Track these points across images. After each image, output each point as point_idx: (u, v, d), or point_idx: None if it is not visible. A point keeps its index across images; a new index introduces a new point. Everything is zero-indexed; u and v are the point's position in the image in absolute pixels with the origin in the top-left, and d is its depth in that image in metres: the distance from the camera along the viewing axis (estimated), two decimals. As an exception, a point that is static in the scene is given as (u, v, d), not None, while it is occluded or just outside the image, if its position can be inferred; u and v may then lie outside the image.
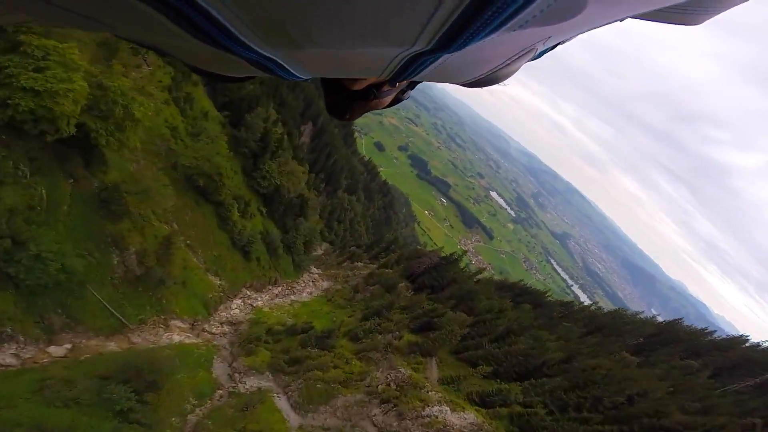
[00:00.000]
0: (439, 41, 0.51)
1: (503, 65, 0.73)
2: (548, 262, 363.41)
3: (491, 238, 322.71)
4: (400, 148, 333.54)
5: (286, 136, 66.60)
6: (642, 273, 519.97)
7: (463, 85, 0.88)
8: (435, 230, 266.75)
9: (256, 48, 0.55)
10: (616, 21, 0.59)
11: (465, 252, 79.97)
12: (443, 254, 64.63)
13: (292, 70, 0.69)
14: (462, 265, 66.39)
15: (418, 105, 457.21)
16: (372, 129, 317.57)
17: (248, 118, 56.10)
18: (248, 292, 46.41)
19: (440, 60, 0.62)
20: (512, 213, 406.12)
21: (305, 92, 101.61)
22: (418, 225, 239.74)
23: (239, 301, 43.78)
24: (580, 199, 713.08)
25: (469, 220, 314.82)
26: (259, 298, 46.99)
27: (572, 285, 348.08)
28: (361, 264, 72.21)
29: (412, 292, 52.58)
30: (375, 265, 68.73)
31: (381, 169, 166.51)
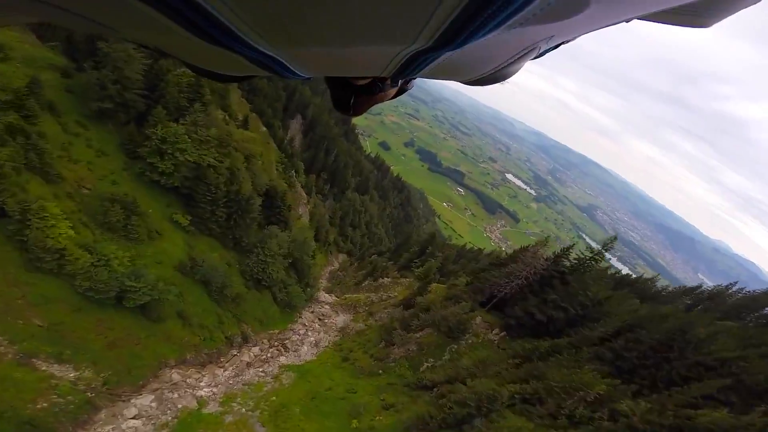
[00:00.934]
0: (439, 39, 0.50)
1: (506, 64, 0.71)
2: (580, 237, 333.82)
3: (517, 221, 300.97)
4: (406, 145, 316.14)
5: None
6: (680, 236, 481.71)
7: (466, 83, 0.86)
8: (457, 222, 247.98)
9: (257, 47, 0.53)
10: (621, 22, 0.57)
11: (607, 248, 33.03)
12: (555, 252, 34.27)
13: (293, 69, 0.67)
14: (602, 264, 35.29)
15: (415, 99, 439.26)
16: (374, 130, 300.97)
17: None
18: (176, 376, 24.67)
19: (441, 58, 0.61)
20: (533, 192, 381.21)
21: (286, 81, 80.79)
22: (439, 219, 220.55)
23: (148, 401, 22.06)
24: (597, 170, 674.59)
25: (490, 206, 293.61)
26: (203, 382, 25.13)
27: (610, 258, 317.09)
28: (389, 280, 49.93)
29: (502, 335, 28.66)
30: (407, 279, 46.65)
31: (390, 167, 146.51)
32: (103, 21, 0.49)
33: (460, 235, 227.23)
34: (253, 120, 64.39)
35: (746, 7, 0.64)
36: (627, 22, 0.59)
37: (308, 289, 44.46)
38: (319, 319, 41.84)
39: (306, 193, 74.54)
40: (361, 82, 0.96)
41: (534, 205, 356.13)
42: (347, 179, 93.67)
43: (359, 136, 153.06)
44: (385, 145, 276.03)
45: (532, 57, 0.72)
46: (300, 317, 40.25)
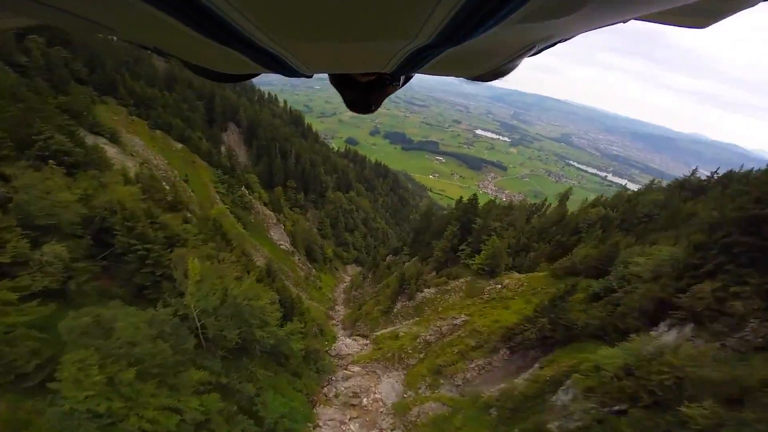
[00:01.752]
0: (439, 35, 0.49)
1: (505, 61, 0.70)
2: (569, 165, 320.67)
3: (505, 169, 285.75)
4: (372, 133, 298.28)
5: None
6: (656, 138, 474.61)
7: (468, 79, 0.84)
8: (449, 189, 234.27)
9: (260, 44, 0.51)
10: (618, 22, 0.56)
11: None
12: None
13: (295, 67, 0.65)
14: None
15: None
16: (335, 130, 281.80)
17: None
18: None
19: (443, 54, 0.60)
20: (506, 139, 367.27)
21: (196, 88, 59.75)
22: (431, 192, 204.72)
23: None
24: (555, 103, 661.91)
25: (473, 164, 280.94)
26: None
27: (606, 175, 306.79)
28: (432, 291, 30.50)
29: None
30: (461, 279, 27.59)
31: (366, 157, 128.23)
32: (104, 22, 0.47)
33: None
34: (159, 138, 43.00)
35: (743, 9, 0.63)
36: (624, 22, 0.58)
37: (319, 365, 24.42)
38: (352, 406, 21.97)
39: (273, 210, 53.77)
40: (369, 79, 0.93)
41: (513, 150, 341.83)
42: (321, 179, 73.16)
43: (321, 138, 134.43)
44: (352, 141, 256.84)
45: (530, 54, 0.71)
46: (319, 413, 20.65)
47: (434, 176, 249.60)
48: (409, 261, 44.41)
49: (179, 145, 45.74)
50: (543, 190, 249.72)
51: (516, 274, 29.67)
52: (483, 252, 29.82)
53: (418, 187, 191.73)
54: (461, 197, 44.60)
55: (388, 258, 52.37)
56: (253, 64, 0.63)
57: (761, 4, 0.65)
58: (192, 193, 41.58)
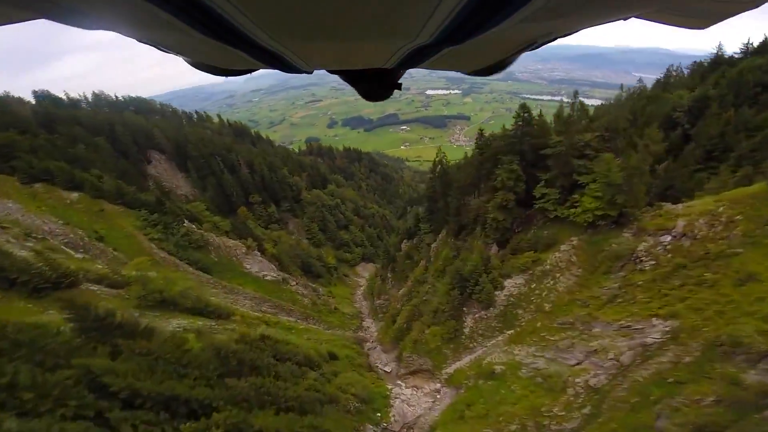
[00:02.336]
0: (440, 35, 0.48)
1: (505, 57, 0.69)
2: (524, 98, 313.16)
3: (468, 119, 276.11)
4: (330, 126, 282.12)
5: None
6: (591, 57, 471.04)
7: (467, 74, 0.82)
8: (424, 152, 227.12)
9: (261, 43, 0.50)
10: (619, 19, 0.56)
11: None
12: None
13: (295, 64, 0.63)
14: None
15: (303, 87, 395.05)
16: (292, 135, 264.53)
17: None
18: None
19: (443, 51, 0.59)
20: (458, 91, 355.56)
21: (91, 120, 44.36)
22: (408, 161, 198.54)
23: None
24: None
25: (437, 122, 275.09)
26: None
27: (561, 98, 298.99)
28: (517, 283, 17.70)
29: None
30: (560, 248, 14.81)
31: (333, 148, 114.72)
32: (103, 16, 0.46)
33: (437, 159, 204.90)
34: (42, 192, 28.54)
35: (742, 11, 0.62)
36: (625, 19, 0.57)
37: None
38: None
39: (240, 237, 39.68)
40: (370, 71, 0.89)
41: (468, 99, 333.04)
42: (289, 182, 59.00)
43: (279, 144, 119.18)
44: (312, 140, 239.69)
45: (530, 49, 0.70)
46: None
47: (405, 146, 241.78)
48: (435, 240, 31.61)
49: (74, 195, 31.09)
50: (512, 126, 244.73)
51: (679, 207, 17.11)
52: (592, 188, 17.19)
53: (394, 161, 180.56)
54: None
55: (403, 245, 39.44)
56: (253, 61, 0.61)
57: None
58: (115, 252, 27.30)
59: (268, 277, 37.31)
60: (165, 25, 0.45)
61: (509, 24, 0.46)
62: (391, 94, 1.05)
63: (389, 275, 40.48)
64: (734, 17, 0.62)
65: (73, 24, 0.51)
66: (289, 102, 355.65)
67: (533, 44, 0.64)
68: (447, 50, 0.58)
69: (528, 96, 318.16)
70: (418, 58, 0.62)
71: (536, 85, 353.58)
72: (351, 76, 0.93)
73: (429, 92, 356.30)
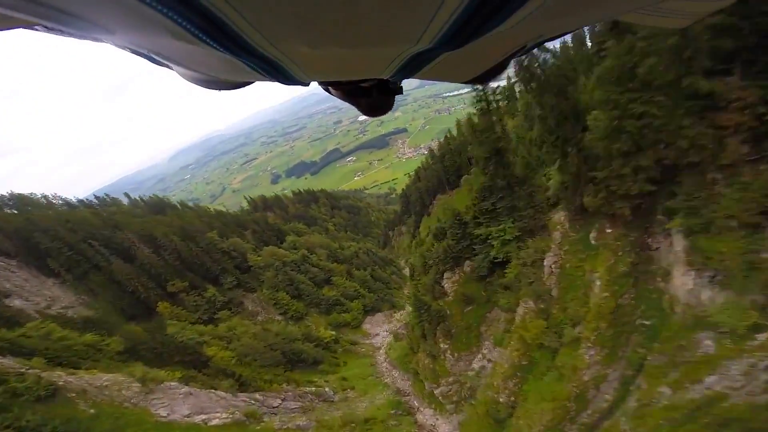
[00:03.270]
0: (440, 39, 0.48)
1: (498, 62, 0.69)
2: (445, 98, 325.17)
3: (405, 131, 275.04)
4: (274, 181, 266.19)
5: None
6: None
7: (462, 83, 0.82)
8: (379, 175, 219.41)
9: (260, 50, 0.48)
10: (603, 20, 0.56)
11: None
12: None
13: (293, 74, 0.62)
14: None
15: (236, 152, 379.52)
16: (236, 202, 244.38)
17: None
18: None
19: (440, 57, 0.58)
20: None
21: None
22: (367, 190, 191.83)
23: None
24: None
25: (379, 143, 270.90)
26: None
27: (477, 87, 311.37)
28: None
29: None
30: None
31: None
32: (101, 23, 0.44)
33: (393, 183, 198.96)
34: None
35: (717, 9, 0.64)
36: (606, 21, 0.62)
37: None
38: None
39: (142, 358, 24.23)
40: (370, 84, 0.89)
41: (397, 113, 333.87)
42: (223, 247, 44.38)
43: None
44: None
45: (520, 54, 0.70)
46: None
47: (358, 176, 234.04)
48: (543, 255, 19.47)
49: None
50: (448, 125, 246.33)
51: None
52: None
53: (354, 194, 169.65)
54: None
55: (447, 282, 26.64)
56: (250, 71, 0.59)
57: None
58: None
59: (215, 420, 22.31)
60: (163, 30, 0.43)
61: (506, 26, 0.46)
62: (394, 103, 1.00)
63: (430, 334, 26.91)
64: (709, 15, 0.64)
65: (66, 31, 0.49)
66: (223, 169, 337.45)
67: (524, 48, 0.64)
68: (444, 56, 0.57)
69: (449, 94, 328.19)
70: (415, 65, 0.61)
71: (447, 83, 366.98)
72: (349, 92, 0.90)
73: (361, 118, 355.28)
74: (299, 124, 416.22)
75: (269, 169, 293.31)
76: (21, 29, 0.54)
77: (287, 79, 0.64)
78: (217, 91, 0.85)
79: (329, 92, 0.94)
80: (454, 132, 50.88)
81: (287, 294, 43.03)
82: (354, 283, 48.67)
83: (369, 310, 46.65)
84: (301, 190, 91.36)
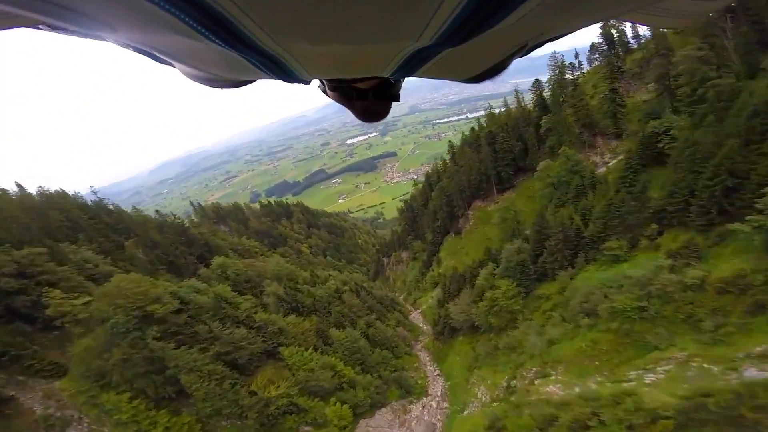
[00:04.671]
0: (441, 36, 0.47)
1: (499, 61, 0.68)
2: (435, 125, 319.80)
3: (395, 155, 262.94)
4: (253, 200, 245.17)
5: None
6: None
7: (461, 81, 0.81)
8: (365, 199, 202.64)
9: (262, 46, 0.47)
10: (606, 20, 0.56)
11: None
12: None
13: (295, 71, 0.60)
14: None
15: (217, 170, 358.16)
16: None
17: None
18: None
19: (441, 55, 0.57)
20: (375, 133, 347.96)
21: None
22: (351, 213, 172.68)
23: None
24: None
25: (368, 166, 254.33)
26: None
27: (467, 115, 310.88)
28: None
29: None
30: None
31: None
32: (102, 18, 0.43)
33: (381, 207, 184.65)
34: None
35: (717, 9, 0.64)
36: (608, 21, 0.72)
37: None
38: None
39: None
40: (372, 84, 0.86)
41: (387, 138, 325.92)
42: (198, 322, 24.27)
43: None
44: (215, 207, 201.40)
45: (521, 54, 0.69)
46: None
47: (342, 199, 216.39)
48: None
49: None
50: (438, 151, 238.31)
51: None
52: None
53: (338, 216, 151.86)
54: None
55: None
56: (252, 68, 0.58)
57: None
58: None
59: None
60: (166, 27, 0.42)
61: (507, 23, 0.45)
62: (389, 111, 0.98)
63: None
64: (707, 16, 0.59)
65: (70, 29, 0.48)
66: (202, 185, 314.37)
67: (525, 47, 0.63)
68: (445, 53, 0.56)
69: (438, 121, 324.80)
70: (416, 62, 0.60)
71: (440, 110, 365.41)
72: (346, 95, 0.86)
73: (349, 141, 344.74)
74: (286, 144, 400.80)
75: (249, 187, 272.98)
76: (23, 28, 0.53)
77: (289, 76, 0.63)
78: (219, 89, 0.83)
79: (327, 95, 0.91)
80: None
81: (139, 393, 21.86)
82: (332, 359, 27.99)
83: (363, 412, 26.24)
84: (272, 201, 71.91)
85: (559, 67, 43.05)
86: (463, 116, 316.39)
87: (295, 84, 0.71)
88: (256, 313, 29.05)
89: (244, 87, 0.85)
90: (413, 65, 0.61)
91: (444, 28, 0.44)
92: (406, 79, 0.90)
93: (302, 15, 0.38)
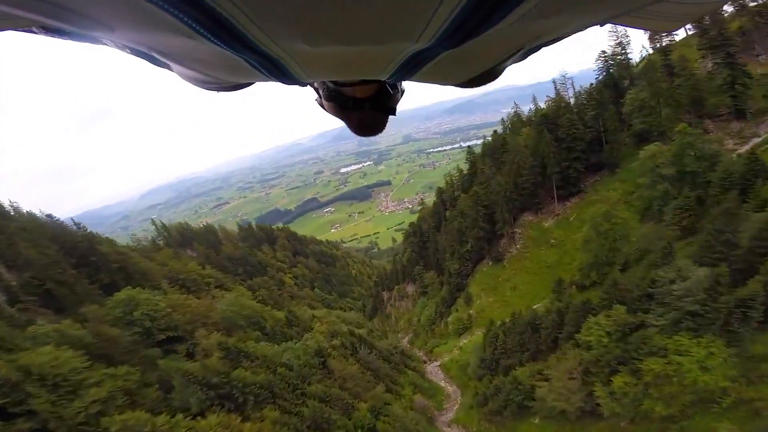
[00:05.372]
0: (440, 37, 0.46)
1: (495, 65, 0.67)
2: (430, 154, 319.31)
3: (389, 183, 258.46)
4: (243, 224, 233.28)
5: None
6: (463, 106, 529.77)
7: (456, 86, 0.80)
8: (359, 229, 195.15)
9: (261, 47, 0.47)
10: (601, 23, 0.56)
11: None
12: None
13: (293, 73, 0.60)
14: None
15: (209, 196, 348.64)
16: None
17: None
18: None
19: (437, 58, 0.57)
20: (369, 162, 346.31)
21: None
22: (345, 243, 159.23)
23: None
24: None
25: (362, 195, 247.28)
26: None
27: (461, 144, 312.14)
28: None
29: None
30: None
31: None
32: (101, 20, 0.42)
33: (375, 236, 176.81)
34: None
35: (711, 12, 0.67)
36: (601, 25, 0.58)
37: None
38: None
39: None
40: (368, 94, 0.84)
41: (381, 167, 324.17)
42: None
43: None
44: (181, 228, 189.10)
45: (516, 59, 0.69)
46: None
47: (335, 228, 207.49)
48: None
49: None
50: (433, 180, 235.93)
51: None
52: None
53: (330, 245, 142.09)
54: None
55: None
56: (250, 69, 0.57)
57: None
58: None
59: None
60: (165, 27, 0.41)
61: (505, 24, 0.44)
62: (386, 125, 0.96)
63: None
64: (699, 18, 0.57)
65: (66, 30, 0.47)
66: (191, 211, 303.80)
67: (521, 50, 0.63)
68: (443, 55, 0.55)
69: (432, 150, 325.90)
70: (414, 65, 0.59)
71: (433, 140, 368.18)
72: (342, 104, 0.85)
73: (343, 170, 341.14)
74: (279, 171, 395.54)
75: (240, 214, 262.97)
76: (18, 32, 0.51)
77: (287, 77, 0.62)
78: (216, 92, 0.82)
79: (323, 107, 0.90)
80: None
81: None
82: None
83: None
84: (253, 224, 62.57)
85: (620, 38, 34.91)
86: (457, 145, 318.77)
87: (293, 85, 0.69)
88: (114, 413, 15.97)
89: (241, 90, 0.83)
90: (411, 68, 0.61)
91: (442, 29, 0.44)
92: (398, 111, 0.92)
93: (300, 15, 0.37)
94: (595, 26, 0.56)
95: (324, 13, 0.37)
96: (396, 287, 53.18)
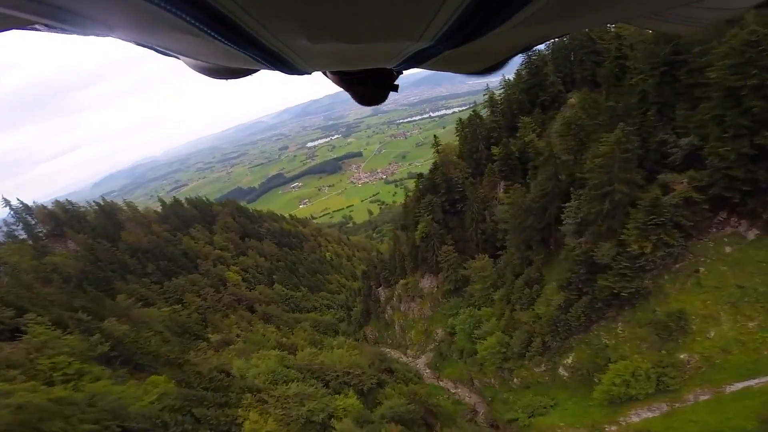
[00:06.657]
0: (441, 38, 0.46)
1: (502, 59, 0.67)
2: (399, 124, 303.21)
3: (360, 155, 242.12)
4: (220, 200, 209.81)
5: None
6: (431, 77, 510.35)
7: (466, 75, 0.81)
8: (330, 202, 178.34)
9: (264, 43, 0.47)
10: (610, 23, 0.54)
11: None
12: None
13: (296, 65, 0.60)
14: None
15: (169, 177, 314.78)
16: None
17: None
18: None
19: (442, 55, 0.57)
20: (338, 135, 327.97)
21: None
22: (315, 219, 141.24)
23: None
24: (330, 100, 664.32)
25: (331, 167, 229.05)
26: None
27: (430, 114, 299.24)
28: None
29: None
30: None
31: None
32: (104, 19, 0.42)
33: (349, 208, 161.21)
34: None
35: (730, 18, 0.60)
36: (612, 24, 0.67)
37: None
38: None
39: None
40: (369, 73, 0.85)
41: (351, 139, 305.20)
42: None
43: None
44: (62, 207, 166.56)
45: (525, 52, 0.68)
46: None
47: (304, 204, 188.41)
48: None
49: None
50: (406, 149, 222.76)
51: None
52: None
53: (299, 220, 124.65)
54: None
55: None
56: (253, 61, 0.57)
57: None
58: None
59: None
60: (169, 27, 0.41)
61: (507, 27, 0.44)
62: (387, 97, 0.98)
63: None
64: (723, 20, 0.57)
65: (68, 29, 0.47)
66: (147, 197, 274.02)
67: (528, 47, 0.62)
68: (446, 53, 0.55)
69: (402, 121, 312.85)
70: (418, 60, 0.60)
71: (402, 111, 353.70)
72: (346, 80, 0.86)
73: (310, 144, 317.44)
74: (241, 150, 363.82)
75: (198, 196, 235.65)
76: (19, 30, 0.51)
77: (290, 68, 0.62)
78: (223, 79, 0.81)
79: (326, 76, 0.90)
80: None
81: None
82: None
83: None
84: (182, 198, 45.70)
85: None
86: (426, 115, 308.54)
87: (297, 75, 0.70)
88: None
89: (247, 76, 0.84)
90: (417, 61, 0.61)
91: (445, 29, 0.43)
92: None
93: (303, 14, 0.37)
94: (605, 25, 0.46)
95: (326, 12, 0.37)
96: (401, 281, 37.28)
